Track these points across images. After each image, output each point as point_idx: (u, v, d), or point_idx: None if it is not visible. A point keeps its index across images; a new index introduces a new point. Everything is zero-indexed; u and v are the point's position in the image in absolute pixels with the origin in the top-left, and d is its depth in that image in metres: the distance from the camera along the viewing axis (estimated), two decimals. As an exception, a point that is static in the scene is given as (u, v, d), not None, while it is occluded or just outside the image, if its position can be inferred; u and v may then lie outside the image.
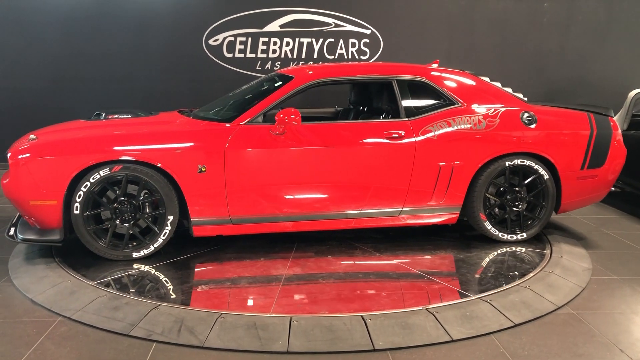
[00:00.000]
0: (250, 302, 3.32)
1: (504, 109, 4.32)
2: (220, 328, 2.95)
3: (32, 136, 3.97)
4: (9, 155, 3.85)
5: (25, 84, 7.77)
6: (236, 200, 3.98)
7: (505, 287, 3.53)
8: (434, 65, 4.77)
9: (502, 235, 4.39)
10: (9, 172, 3.83)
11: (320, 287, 3.53)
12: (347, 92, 5.50)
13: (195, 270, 3.86)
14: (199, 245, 4.29)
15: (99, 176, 3.76)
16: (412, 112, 4.21)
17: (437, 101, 4.32)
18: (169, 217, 3.93)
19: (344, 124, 4.24)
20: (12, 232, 3.99)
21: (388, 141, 4.07)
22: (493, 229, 4.36)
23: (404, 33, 7.90)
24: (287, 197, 4.05)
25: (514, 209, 4.38)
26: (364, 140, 4.07)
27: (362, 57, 7.92)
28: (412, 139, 4.10)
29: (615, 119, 4.91)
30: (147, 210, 3.97)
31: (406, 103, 4.24)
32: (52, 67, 7.75)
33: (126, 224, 3.93)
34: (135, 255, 3.94)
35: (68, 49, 7.72)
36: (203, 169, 3.85)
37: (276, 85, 4.31)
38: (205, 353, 2.77)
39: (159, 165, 3.80)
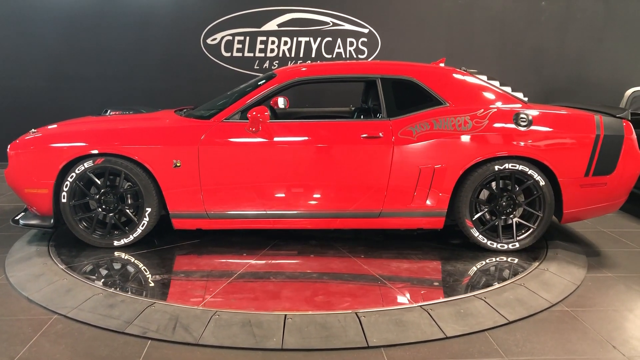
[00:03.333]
0: (185, 296, 3.37)
1: (494, 109, 4.07)
2: (215, 325, 2.96)
3: (32, 130, 4.33)
4: (9, 147, 4.19)
5: (24, 82, 7.79)
6: (211, 196, 4.07)
7: (500, 284, 3.53)
8: (441, 64, 4.68)
9: (491, 243, 4.14)
10: (8, 162, 4.18)
11: (264, 285, 3.53)
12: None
13: (163, 260, 3.99)
14: (193, 237, 4.42)
15: (83, 168, 4.03)
16: (394, 111, 4.08)
17: (423, 101, 4.15)
18: (147, 209, 4.11)
19: (321, 122, 4.16)
20: (18, 217, 4.34)
21: (364, 141, 3.98)
22: (481, 236, 4.13)
23: (402, 32, 7.91)
24: (262, 194, 4.08)
25: (503, 217, 4.14)
26: (340, 139, 4.01)
27: (360, 56, 7.94)
28: (391, 139, 3.98)
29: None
30: (129, 201, 4.18)
31: (389, 102, 4.11)
32: (51, 65, 7.78)
33: (109, 214, 4.17)
34: (116, 243, 4.18)
35: (67, 47, 7.75)
36: (178, 164, 4.00)
37: (259, 83, 4.35)
38: (200, 350, 2.79)
39: (137, 159, 4.00)
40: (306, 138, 4.03)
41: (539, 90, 7.99)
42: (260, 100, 4.17)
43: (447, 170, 4.00)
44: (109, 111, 4.82)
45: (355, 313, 3.09)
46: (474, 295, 3.36)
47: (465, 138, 3.98)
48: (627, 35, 7.99)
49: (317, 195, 4.08)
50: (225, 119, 4.10)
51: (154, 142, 4.04)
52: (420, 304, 3.22)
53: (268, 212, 4.12)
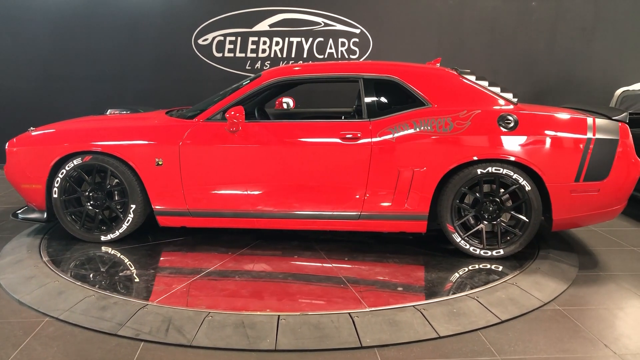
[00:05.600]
0: (145, 292, 3.44)
1: (478, 110, 3.91)
2: (208, 327, 2.95)
3: (31, 128, 4.55)
4: (7, 144, 4.42)
5: (15, 82, 7.74)
6: (192, 194, 4.14)
7: (492, 284, 3.55)
8: (437, 64, 4.63)
9: (473, 249, 3.99)
10: (6, 158, 4.42)
11: (226, 284, 3.56)
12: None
13: (143, 257, 4.08)
14: (186, 234, 4.49)
15: (72, 164, 4.20)
16: (375, 112, 4.01)
17: (405, 101, 4.07)
18: (131, 206, 4.23)
19: (299, 123, 4.16)
20: (19, 211, 4.57)
21: (342, 142, 3.94)
22: (463, 241, 4.00)
23: (394, 32, 7.93)
24: (241, 194, 4.10)
25: (485, 222, 3.98)
26: (318, 140, 3.99)
27: (351, 56, 7.94)
28: (369, 141, 3.91)
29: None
30: (116, 198, 4.32)
31: (370, 103, 4.05)
32: (42, 66, 7.73)
33: (97, 210, 4.33)
34: (103, 238, 4.33)
35: (58, 48, 7.71)
36: (160, 162, 4.11)
37: (243, 84, 4.38)
38: (193, 352, 2.78)
39: (122, 157, 4.13)
40: (285, 138, 4.03)
41: (529, 90, 8.03)
42: (240, 101, 4.19)
43: (427, 173, 3.90)
44: (109, 111, 5.11)
45: (349, 313, 3.09)
46: (466, 295, 3.37)
47: (446, 140, 3.86)
48: (616, 35, 8.05)
49: (295, 196, 4.07)
50: (207, 119, 4.16)
51: (137, 141, 4.15)
52: (413, 304, 3.23)
53: (247, 211, 4.14)
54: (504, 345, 2.85)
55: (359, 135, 3.94)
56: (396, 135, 3.91)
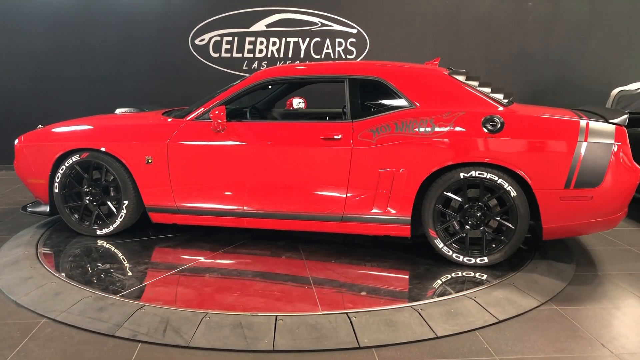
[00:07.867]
0: (112, 285, 3.52)
1: (462, 112, 3.75)
2: (205, 327, 2.95)
3: (39, 125, 4.80)
4: (16, 141, 4.68)
5: (11, 82, 7.72)
6: (180, 191, 4.23)
7: (489, 284, 3.55)
8: (437, 64, 4.59)
9: (456, 256, 3.84)
10: (15, 154, 4.66)
11: (192, 281, 3.61)
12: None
13: (132, 252, 4.18)
14: (184, 231, 4.56)
15: (71, 161, 4.39)
16: (358, 113, 3.96)
17: (389, 102, 4.01)
18: (124, 202, 4.37)
19: (283, 123, 4.16)
20: (28, 205, 4.84)
21: (323, 143, 3.92)
22: (445, 247, 3.86)
23: (390, 32, 7.93)
24: (225, 193, 4.15)
25: (467, 227, 3.82)
26: (299, 141, 3.99)
27: (348, 56, 7.95)
28: (349, 142, 3.87)
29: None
30: (112, 194, 4.48)
31: (354, 103, 3.99)
32: (38, 66, 7.71)
33: (92, 205, 4.51)
34: (98, 232, 4.50)
35: (54, 47, 7.69)
36: (150, 160, 4.24)
37: (234, 84, 4.43)
38: (191, 353, 2.77)
39: (115, 154, 4.29)
40: (267, 138, 4.05)
41: (526, 90, 8.04)
42: (228, 100, 4.23)
43: (408, 176, 3.81)
44: (117, 110, 5.38)
45: (346, 314, 3.09)
46: (464, 295, 3.37)
47: (427, 142, 3.75)
48: (612, 35, 8.07)
49: (278, 196, 4.08)
50: (195, 119, 4.22)
51: (129, 139, 4.30)
52: (411, 304, 3.23)
53: (232, 210, 4.18)
54: (501, 345, 2.85)
55: (340, 136, 3.91)
56: (377, 136, 3.84)
